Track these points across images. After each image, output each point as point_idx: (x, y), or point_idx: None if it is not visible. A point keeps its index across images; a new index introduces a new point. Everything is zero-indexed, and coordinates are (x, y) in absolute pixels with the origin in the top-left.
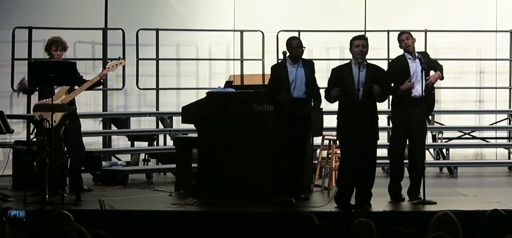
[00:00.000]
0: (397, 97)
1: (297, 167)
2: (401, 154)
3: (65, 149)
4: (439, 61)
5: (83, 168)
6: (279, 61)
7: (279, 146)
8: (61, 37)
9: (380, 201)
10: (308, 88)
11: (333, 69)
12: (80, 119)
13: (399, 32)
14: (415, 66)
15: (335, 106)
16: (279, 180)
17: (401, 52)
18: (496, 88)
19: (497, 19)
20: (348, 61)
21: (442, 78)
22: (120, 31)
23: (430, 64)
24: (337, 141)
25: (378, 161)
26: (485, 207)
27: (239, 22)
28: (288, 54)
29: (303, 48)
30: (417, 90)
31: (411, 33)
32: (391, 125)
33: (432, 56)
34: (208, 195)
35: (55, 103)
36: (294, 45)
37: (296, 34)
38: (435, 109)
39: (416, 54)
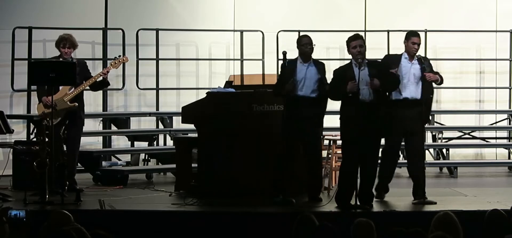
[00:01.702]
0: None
1: (312, 169)
2: (396, 150)
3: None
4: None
5: (83, 168)
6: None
7: (282, 146)
8: (71, 34)
9: (380, 201)
10: (319, 88)
11: (335, 70)
12: None
13: (408, 32)
14: (409, 67)
15: (335, 105)
16: (278, 180)
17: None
18: (496, 88)
19: (497, 19)
20: (348, 61)
21: (439, 82)
22: (120, 31)
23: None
24: (337, 141)
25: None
26: (485, 207)
27: (239, 22)
28: (299, 52)
29: (313, 46)
30: (411, 91)
31: (421, 35)
32: None
33: (432, 56)
34: (208, 195)
35: (57, 99)
36: (303, 42)
37: (296, 34)
38: (435, 109)
39: (417, 56)
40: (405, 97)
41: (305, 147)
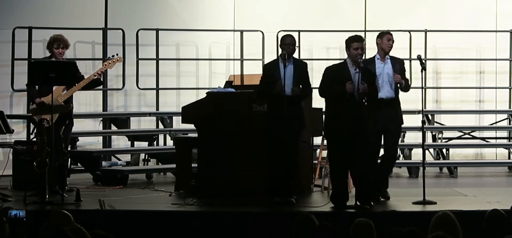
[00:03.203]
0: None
1: (289, 167)
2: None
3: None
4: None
5: (83, 168)
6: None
7: (268, 146)
8: (62, 35)
9: (380, 201)
10: (297, 87)
11: (327, 68)
12: (80, 119)
13: (381, 32)
14: (382, 68)
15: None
16: (274, 181)
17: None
18: (496, 88)
19: (497, 19)
20: (342, 60)
21: (403, 87)
22: (120, 31)
23: (401, 72)
24: (325, 141)
25: None
26: (485, 207)
27: (239, 22)
28: (284, 52)
29: (296, 47)
30: (385, 91)
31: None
32: None
33: (432, 56)
34: (208, 195)
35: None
36: (286, 42)
37: (296, 34)
38: (435, 109)
39: (388, 57)
40: (381, 98)
41: (286, 145)
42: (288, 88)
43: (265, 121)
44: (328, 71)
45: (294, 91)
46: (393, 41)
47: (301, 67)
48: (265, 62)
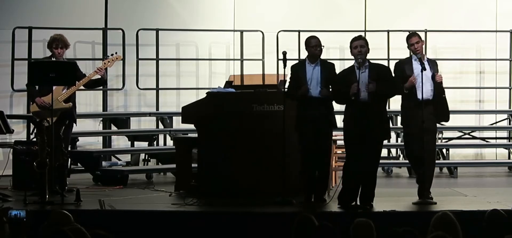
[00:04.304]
0: (403, 96)
1: (321, 169)
2: (420, 151)
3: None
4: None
5: (83, 168)
6: (299, 60)
7: (301, 146)
8: (62, 34)
9: (380, 201)
10: (326, 89)
11: (338, 74)
12: (80, 119)
13: (410, 33)
14: (420, 69)
15: (336, 106)
16: (307, 181)
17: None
18: (496, 88)
19: (497, 19)
20: (350, 62)
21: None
22: (120, 31)
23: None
24: (337, 141)
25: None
26: (485, 207)
27: (239, 22)
28: (308, 54)
29: (322, 48)
30: (423, 92)
31: (421, 35)
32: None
33: (432, 56)
34: (208, 195)
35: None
36: (312, 44)
37: (296, 34)
38: None
39: (425, 58)
40: (418, 98)
41: (317, 147)
42: (315, 90)
43: (295, 122)
44: (338, 76)
45: (322, 93)
46: (417, 43)
47: (328, 69)
48: (265, 62)
